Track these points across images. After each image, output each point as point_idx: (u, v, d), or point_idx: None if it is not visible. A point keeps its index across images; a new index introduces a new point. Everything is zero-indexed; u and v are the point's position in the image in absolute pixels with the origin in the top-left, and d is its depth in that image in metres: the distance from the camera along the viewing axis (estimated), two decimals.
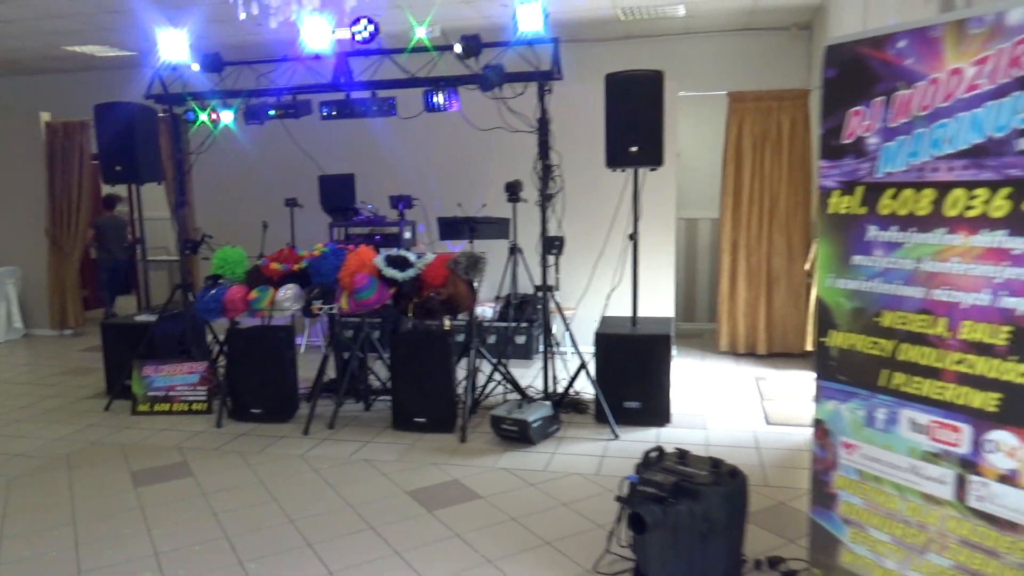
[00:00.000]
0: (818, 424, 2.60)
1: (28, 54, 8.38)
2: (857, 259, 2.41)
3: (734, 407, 5.32)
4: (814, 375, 2.62)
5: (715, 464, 2.90)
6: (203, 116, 5.27)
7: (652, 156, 4.83)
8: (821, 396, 2.58)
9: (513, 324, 6.51)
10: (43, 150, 8.24)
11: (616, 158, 4.88)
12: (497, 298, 6.39)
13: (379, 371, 5.70)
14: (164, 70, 5.37)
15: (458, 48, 4.60)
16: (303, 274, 5.15)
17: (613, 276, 5.43)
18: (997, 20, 1.99)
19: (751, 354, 6.82)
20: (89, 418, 5.41)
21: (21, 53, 8.32)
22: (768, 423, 4.95)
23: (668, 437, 4.73)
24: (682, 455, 3.02)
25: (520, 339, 6.84)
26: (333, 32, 4.89)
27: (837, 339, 2.50)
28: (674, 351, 6.87)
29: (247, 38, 7.54)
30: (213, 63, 5.20)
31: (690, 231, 8.08)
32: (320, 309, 4.95)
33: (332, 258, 5.08)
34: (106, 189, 8.39)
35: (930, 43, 2.14)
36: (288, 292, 5.02)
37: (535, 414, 4.62)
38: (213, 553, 3.34)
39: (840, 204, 2.43)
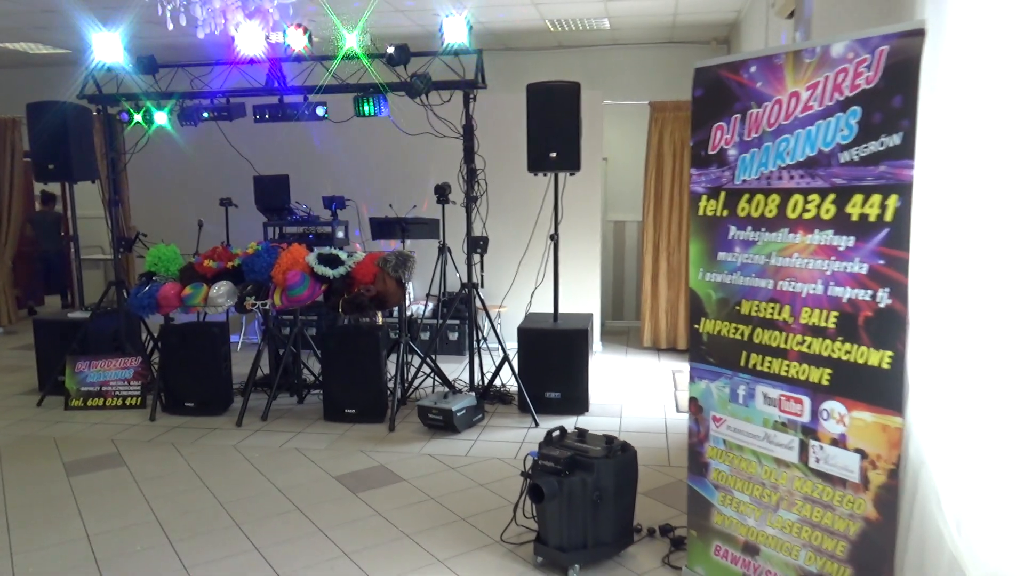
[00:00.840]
0: (692, 401, 2.94)
1: None
2: (721, 255, 2.75)
3: (649, 397, 5.69)
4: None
5: (608, 440, 3.22)
6: (137, 117, 5.39)
7: (570, 161, 5.15)
8: (694, 376, 2.92)
9: (443, 321, 6.76)
10: None
11: (537, 163, 5.20)
12: (428, 296, 6.64)
13: (313, 366, 5.90)
14: (98, 70, 5.47)
15: (390, 50, 4.82)
16: (237, 272, 5.33)
17: (537, 275, 5.74)
18: (824, 52, 2.35)
19: (672, 349, 7.22)
20: (21, 413, 5.46)
21: None
22: (678, 411, 5.32)
23: (585, 424, 5.05)
24: (581, 434, 3.33)
25: (452, 335, 7.11)
26: (267, 38, 5.09)
27: (707, 326, 2.84)
28: (599, 346, 7.26)
29: (181, 39, 7.61)
30: (147, 65, 5.33)
31: (618, 233, 8.46)
32: (253, 305, 5.13)
33: (265, 256, 5.27)
34: (39, 187, 8.34)
35: (775, 69, 2.49)
36: (221, 289, 5.19)
37: (459, 404, 4.90)
38: (144, 535, 3.52)
39: (707, 207, 2.77)
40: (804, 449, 2.54)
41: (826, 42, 2.35)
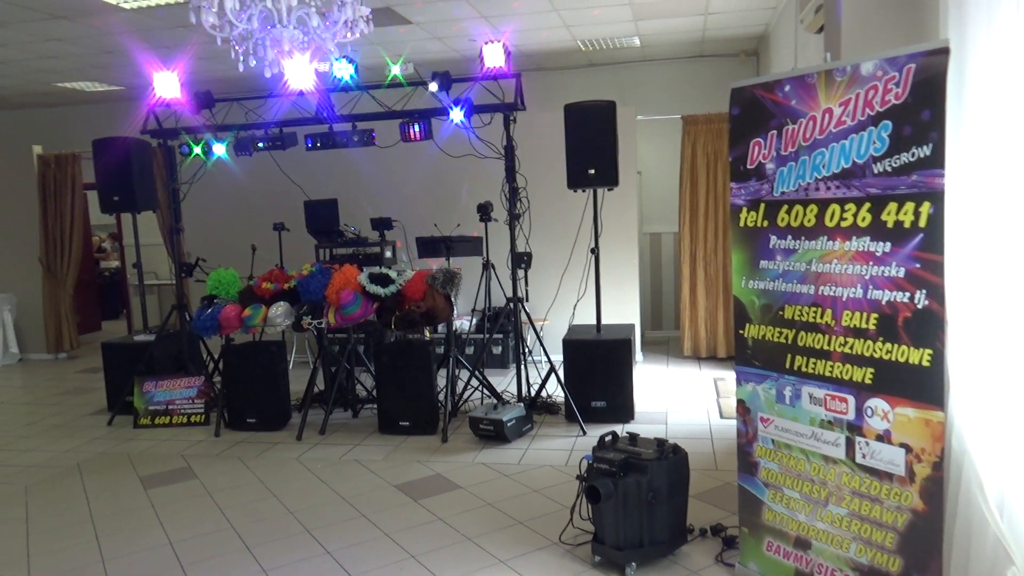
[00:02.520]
0: (740, 403, 3.09)
1: (17, 91, 8.77)
2: (763, 264, 2.91)
3: (693, 404, 5.81)
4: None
5: (660, 443, 3.38)
6: (197, 149, 5.71)
7: (608, 177, 5.34)
8: (741, 380, 3.07)
9: (489, 335, 6.97)
10: (36, 182, 8.61)
11: (576, 180, 5.39)
12: (473, 311, 6.86)
13: (365, 381, 6.13)
14: (158, 106, 5.81)
15: (433, 87, 5.10)
16: (293, 292, 5.59)
17: (579, 288, 5.92)
18: (854, 71, 2.51)
19: (712, 357, 7.32)
20: (93, 432, 5.78)
21: (9, 90, 8.70)
22: (722, 417, 5.44)
23: (631, 430, 5.18)
24: (632, 438, 3.49)
25: (496, 349, 7.31)
26: (316, 71, 5.38)
27: (752, 331, 2.99)
28: (640, 356, 7.40)
29: (235, 72, 7.99)
30: (205, 100, 5.65)
31: (655, 244, 8.60)
32: (309, 324, 5.39)
33: (319, 277, 5.53)
34: (102, 218, 8.76)
35: (808, 87, 2.65)
36: (279, 309, 5.45)
37: (509, 414, 5.08)
38: (222, 541, 3.75)
39: (748, 219, 2.93)
40: (850, 446, 2.68)
41: (856, 61, 2.51)
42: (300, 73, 5.30)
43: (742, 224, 2.96)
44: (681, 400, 5.94)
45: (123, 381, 6.03)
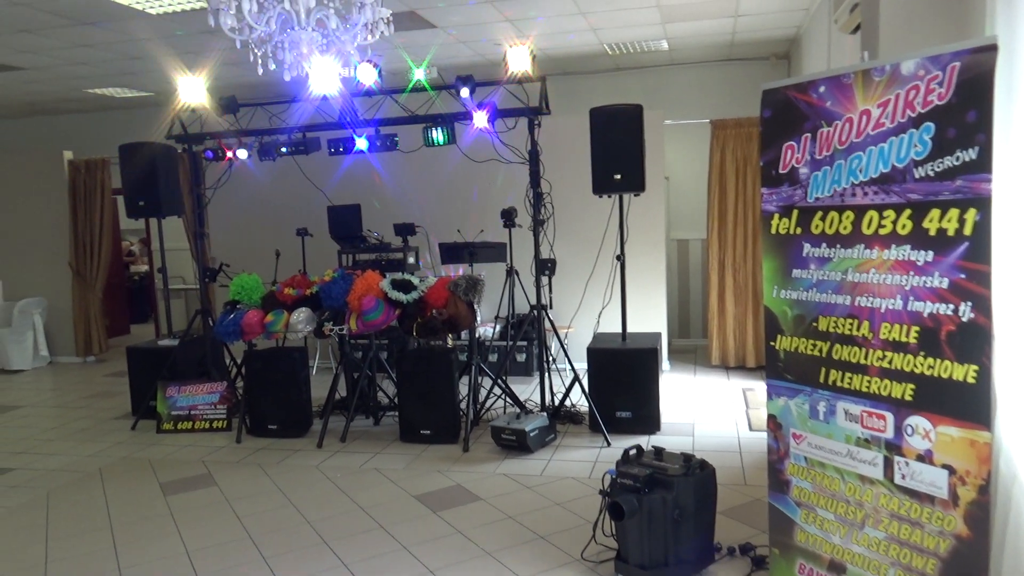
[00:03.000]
0: (771, 418, 2.95)
1: (50, 96, 8.89)
2: (796, 273, 2.78)
3: (721, 416, 5.66)
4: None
5: (686, 458, 3.26)
6: (222, 154, 5.70)
7: (635, 183, 5.22)
8: (772, 393, 2.94)
9: (512, 343, 6.88)
10: (66, 187, 8.72)
11: (601, 185, 5.28)
12: (497, 318, 6.77)
13: (387, 388, 6.08)
14: (183, 112, 5.82)
15: (465, 92, 5.03)
16: (315, 298, 5.55)
17: (604, 295, 5.80)
18: (894, 70, 2.38)
19: (741, 367, 7.15)
20: (117, 436, 5.79)
21: (43, 96, 8.83)
22: (751, 429, 5.29)
23: (657, 442, 5.06)
24: (658, 452, 3.37)
25: (520, 357, 7.21)
26: (339, 75, 5.34)
27: (784, 343, 2.86)
28: (667, 365, 7.25)
29: (259, 78, 8.02)
30: (229, 105, 5.65)
31: (682, 251, 8.46)
32: (331, 330, 5.34)
33: (341, 283, 5.48)
34: (132, 223, 8.83)
35: (844, 88, 2.53)
36: (301, 315, 5.41)
37: (532, 424, 4.98)
38: (239, 550, 3.70)
39: (780, 225, 2.81)
40: (889, 465, 2.54)
41: (896, 60, 2.38)
42: (324, 78, 5.27)
43: (774, 231, 2.84)
44: (709, 411, 5.79)
45: (147, 386, 6.04)
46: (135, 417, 6.07)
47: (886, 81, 2.40)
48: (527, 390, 6.57)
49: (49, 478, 4.89)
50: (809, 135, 2.65)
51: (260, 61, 3.22)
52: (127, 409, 6.41)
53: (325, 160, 6.08)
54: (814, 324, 2.74)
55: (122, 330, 10.57)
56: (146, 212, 6.13)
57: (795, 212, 2.75)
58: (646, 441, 5.12)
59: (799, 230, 2.74)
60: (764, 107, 2.80)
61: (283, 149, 5.61)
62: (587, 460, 4.81)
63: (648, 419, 5.29)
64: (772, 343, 2.90)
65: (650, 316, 7.10)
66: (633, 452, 3.36)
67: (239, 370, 6.31)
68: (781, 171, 2.77)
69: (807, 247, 2.73)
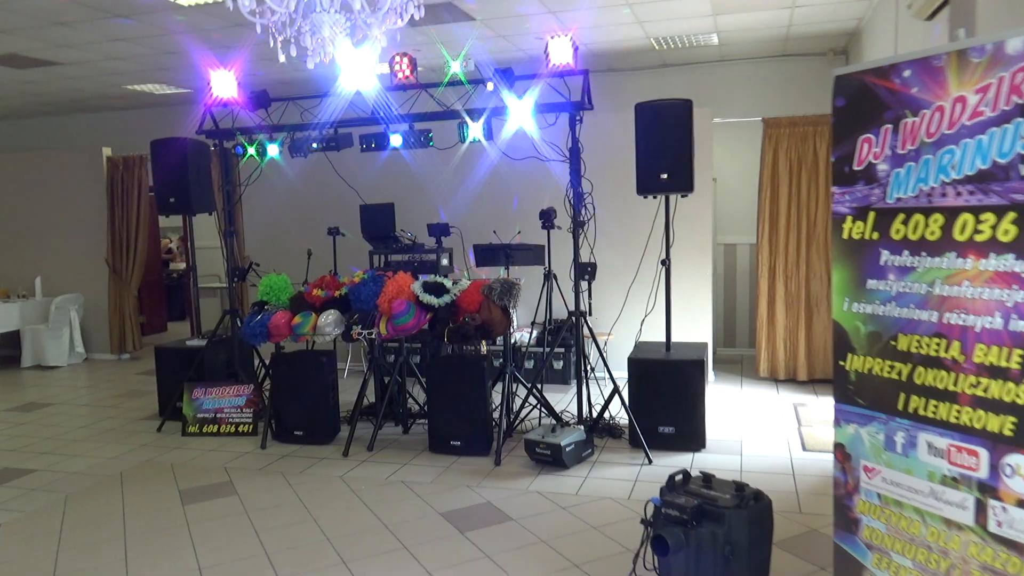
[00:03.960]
0: (838, 448, 2.62)
1: (90, 93, 8.89)
2: (872, 283, 2.44)
3: (771, 433, 5.29)
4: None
5: (739, 488, 2.93)
6: (251, 150, 5.53)
7: (683, 183, 4.90)
8: (840, 420, 2.60)
9: (550, 349, 6.59)
10: (104, 183, 8.69)
11: (647, 185, 4.97)
12: (533, 324, 6.48)
13: (418, 395, 5.84)
14: (215, 106, 5.66)
15: (511, 97, 4.78)
16: (344, 300, 5.34)
17: (647, 302, 5.47)
18: (996, 49, 2.03)
19: (791, 380, 6.75)
20: (142, 438, 5.65)
21: (84, 92, 8.82)
22: (804, 449, 4.91)
23: (702, 462, 4.72)
24: (707, 478, 3.05)
25: (557, 364, 6.91)
26: (372, 69, 5.12)
27: (855, 363, 2.52)
28: (713, 376, 6.88)
29: (294, 74, 7.88)
30: (260, 100, 5.47)
31: (729, 256, 8.07)
32: (359, 334, 5.12)
33: (371, 284, 5.26)
34: (173, 219, 8.78)
35: (933, 72, 2.18)
36: (329, 318, 5.20)
37: (568, 438, 4.68)
38: (253, 569, 3.48)
39: (853, 229, 2.47)
40: (981, 510, 2.19)
41: (999, 38, 2.04)
42: (357, 71, 5.06)
43: (846, 236, 2.50)
44: (758, 427, 5.42)
45: (175, 386, 5.90)
46: (162, 418, 5.94)
47: (987, 62, 2.06)
48: (564, 400, 6.27)
49: (70, 482, 4.76)
50: (890, 127, 2.31)
51: (281, 47, 2.98)
52: (155, 409, 6.29)
53: (359, 157, 5.87)
54: (892, 343, 2.39)
55: (160, 327, 10.55)
56: (177, 209, 6.00)
57: (871, 214, 2.41)
58: (690, 459, 4.78)
59: (876, 235, 2.40)
60: (837, 95, 2.47)
61: (314, 145, 5.41)
62: (626, 479, 4.50)
63: (692, 435, 4.95)
64: (841, 362, 2.57)
65: (695, 324, 6.73)
66: (679, 478, 3.04)
67: (267, 373, 6.14)
68: (856, 167, 2.44)
69: (885, 255, 2.39)
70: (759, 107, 7.43)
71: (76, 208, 8.84)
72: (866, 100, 2.38)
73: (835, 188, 2.52)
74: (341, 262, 6.51)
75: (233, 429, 5.68)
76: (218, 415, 5.71)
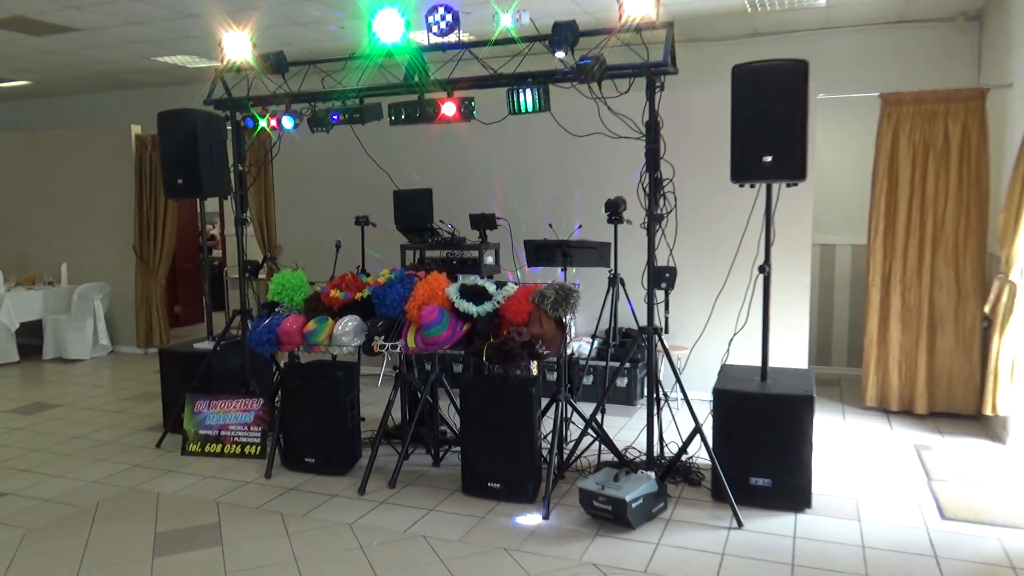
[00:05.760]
0: None
1: (121, 66, 8.25)
2: None
3: (893, 489, 4.17)
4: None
5: None
6: (263, 123, 4.68)
7: (791, 168, 3.83)
8: None
9: (616, 370, 5.59)
10: (133, 163, 8.05)
11: (744, 170, 3.91)
12: (595, 336, 5.48)
13: (453, 416, 4.91)
14: (228, 72, 4.83)
15: (550, 48, 3.79)
16: (367, 304, 4.46)
17: (737, 317, 4.41)
18: None
19: (907, 412, 5.57)
20: (137, 456, 4.90)
21: (114, 65, 8.19)
22: (944, 518, 3.78)
23: (808, 528, 3.66)
24: None
25: (621, 382, 5.90)
26: (407, 29, 4.21)
27: None
28: None
29: (324, 45, 7.07)
30: (277, 64, 4.61)
31: (826, 259, 6.89)
32: (382, 347, 4.22)
33: (399, 287, 4.37)
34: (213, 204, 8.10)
35: None
36: (348, 325, 4.33)
37: (635, 490, 3.68)
38: None
39: None
40: None
41: None
42: (388, 26, 4.15)
43: None
44: (874, 479, 4.30)
45: (179, 395, 5.13)
46: (163, 432, 5.18)
47: None
48: (628, 428, 5.27)
49: (37, 512, 4.01)
50: None
51: None
52: (160, 419, 5.54)
53: (392, 133, 4.96)
54: None
55: (197, 318, 9.93)
56: (186, 192, 5.22)
57: None
58: (791, 523, 3.73)
59: None
60: None
61: (333, 117, 4.51)
62: (711, 549, 3.47)
63: (794, 491, 3.88)
64: None
65: (788, 341, 5.63)
66: None
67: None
68: None
69: None
70: (872, 81, 6.23)
71: (104, 190, 8.23)
72: None
73: None
74: (371, 257, 5.64)
75: (238, 450, 4.86)
76: (222, 432, 4.91)
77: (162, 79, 9.00)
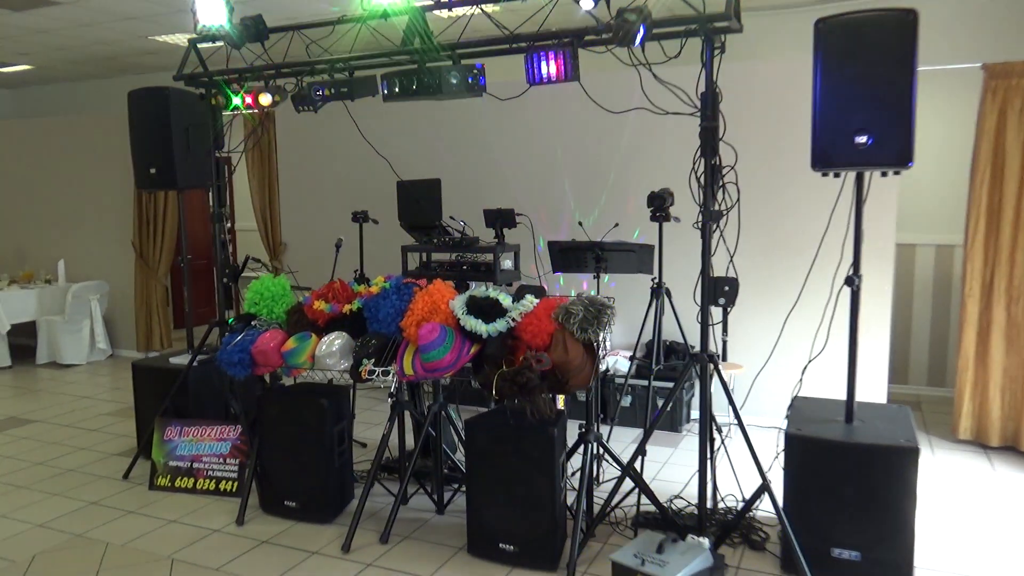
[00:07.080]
0: None
1: (119, 47, 7.62)
2: None
3: (1013, 557, 3.26)
4: None
5: None
6: (236, 100, 3.94)
7: (894, 149, 2.95)
8: None
9: (665, 404, 4.76)
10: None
11: (828, 155, 3.04)
12: (634, 357, 4.64)
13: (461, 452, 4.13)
14: (202, 41, 4.11)
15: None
16: (357, 317, 3.69)
17: (814, 340, 3.54)
18: None
19: (1011, 449, 4.63)
20: (98, 490, 4.22)
21: (112, 47, 7.57)
22: None
23: None
24: None
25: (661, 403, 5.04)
26: None
27: None
28: None
29: (309, 6, 6.31)
30: (254, 30, 3.87)
31: (904, 261, 5.93)
32: (371, 373, 3.45)
33: (394, 298, 3.60)
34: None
35: None
36: (334, 344, 3.57)
37: (684, 568, 2.85)
38: None
39: None
40: None
41: None
42: None
43: None
44: (988, 543, 3.40)
45: (152, 417, 4.45)
46: (132, 460, 4.50)
47: None
48: (672, 462, 4.42)
49: None
50: None
51: None
52: (134, 443, 4.87)
53: (397, 113, 4.19)
54: None
55: (207, 318, 9.32)
56: (158, 183, 4.53)
57: None
58: None
59: None
60: None
61: (318, 92, 3.74)
62: None
63: (891, 567, 3.01)
64: None
65: (865, 359, 4.71)
66: None
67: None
68: None
69: None
70: (971, 50, 5.26)
71: (104, 181, 7.62)
72: None
73: None
74: (369, 259, 4.89)
75: (213, 485, 4.15)
76: (195, 464, 4.20)
77: (166, 62, 8.37)
